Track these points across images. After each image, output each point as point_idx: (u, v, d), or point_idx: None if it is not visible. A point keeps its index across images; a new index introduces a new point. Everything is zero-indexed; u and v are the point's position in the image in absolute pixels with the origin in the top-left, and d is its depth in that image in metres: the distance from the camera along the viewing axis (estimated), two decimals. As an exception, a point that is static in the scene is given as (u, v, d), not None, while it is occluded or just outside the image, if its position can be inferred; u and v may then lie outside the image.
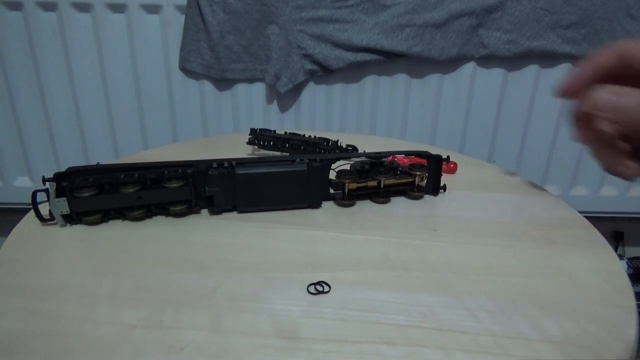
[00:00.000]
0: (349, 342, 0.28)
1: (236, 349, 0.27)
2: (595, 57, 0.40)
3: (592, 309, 0.31)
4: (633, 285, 0.34)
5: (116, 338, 0.28)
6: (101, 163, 0.41)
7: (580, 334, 0.29)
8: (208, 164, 0.41)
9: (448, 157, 0.45)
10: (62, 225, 0.39)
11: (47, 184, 0.37)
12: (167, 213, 0.41)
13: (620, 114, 0.37)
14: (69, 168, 0.39)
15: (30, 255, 0.36)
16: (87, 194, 0.38)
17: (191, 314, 0.30)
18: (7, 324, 0.29)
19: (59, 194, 0.38)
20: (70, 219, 0.39)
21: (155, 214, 0.41)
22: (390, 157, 0.54)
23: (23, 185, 1.06)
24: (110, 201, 0.39)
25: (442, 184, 0.48)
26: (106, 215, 0.40)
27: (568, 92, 0.40)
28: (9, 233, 0.38)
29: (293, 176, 0.41)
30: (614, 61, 0.39)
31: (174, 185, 0.39)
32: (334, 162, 0.45)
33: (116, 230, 0.39)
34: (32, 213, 0.41)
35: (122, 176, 0.39)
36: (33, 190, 0.38)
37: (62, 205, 0.38)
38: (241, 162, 0.42)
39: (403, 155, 0.55)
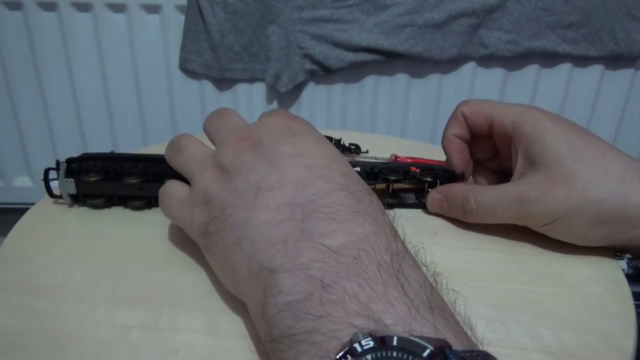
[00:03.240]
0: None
1: (232, 353, 0.27)
2: (447, 130, 0.42)
3: (591, 319, 0.30)
4: (633, 285, 0.34)
5: (112, 339, 0.28)
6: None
7: (578, 344, 0.28)
8: None
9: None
10: (70, 205, 0.42)
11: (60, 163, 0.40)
12: None
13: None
14: (83, 154, 0.42)
15: (29, 254, 0.36)
16: (92, 179, 0.40)
17: (187, 316, 0.30)
18: (4, 322, 0.29)
19: (68, 175, 0.40)
20: (77, 199, 0.42)
21: (155, 206, 0.42)
22: (393, 159, 0.54)
23: (23, 185, 1.06)
24: (114, 188, 0.41)
25: None
26: (109, 200, 0.42)
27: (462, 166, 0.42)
28: (8, 233, 0.38)
29: None
30: (461, 129, 0.41)
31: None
32: None
33: (116, 227, 0.39)
34: (32, 211, 0.41)
35: (127, 166, 0.41)
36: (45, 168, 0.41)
37: (70, 185, 0.40)
38: None
39: (411, 161, 0.54)
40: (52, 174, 0.41)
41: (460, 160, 0.42)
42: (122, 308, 0.30)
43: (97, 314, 0.30)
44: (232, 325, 0.29)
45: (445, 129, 0.42)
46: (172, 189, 0.34)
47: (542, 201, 0.34)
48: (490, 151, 0.42)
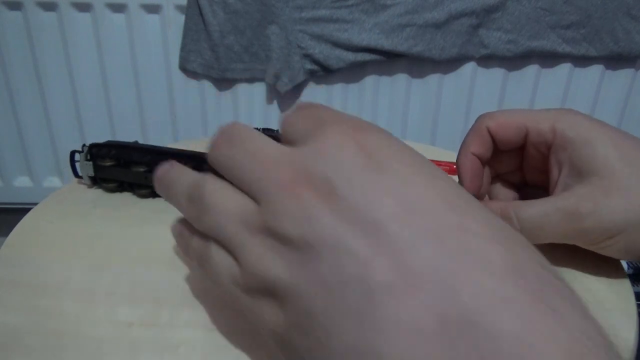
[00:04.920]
0: (344, 342, 0.28)
1: (232, 349, 0.27)
2: (467, 146, 0.37)
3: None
4: (633, 285, 0.34)
5: (112, 336, 0.28)
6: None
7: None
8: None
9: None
10: (89, 186, 0.46)
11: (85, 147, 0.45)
12: None
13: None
14: (107, 141, 0.46)
15: (30, 253, 0.36)
16: (107, 164, 0.44)
17: (188, 313, 0.30)
18: (5, 321, 0.29)
19: (89, 159, 0.45)
20: (95, 181, 0.46)
21: (159, 196, 0.43)
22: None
23: (23, 185, 1.06)
24: (123, 175, 0.44)
25: None
26: (121, 185, 0.45)
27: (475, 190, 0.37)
28: (9, 233, 0.39)
29: None
30: (483, 147, 0.36)
31: None
32: None
33: (116, 227, 0.39)
34: (33, 212, 0.42)
35: (135, 156, 0.44)
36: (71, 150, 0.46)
37: (89, 168, 0.45)
38: None
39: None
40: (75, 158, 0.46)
41: (472, 183, 0.37)
42: (122, 305, 0.30)
43: (97, 312, 0.30)
44: (233, 321, 0.29)
45: (464, 144, 0.38)
46: (216, 260, 0.23)
47: (599, 213, 0.30)
48: (513, 164, 0.39)
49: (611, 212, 0.30)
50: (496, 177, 0.40)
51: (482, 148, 0.36)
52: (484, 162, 0.37)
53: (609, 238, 0.31)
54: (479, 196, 0.38)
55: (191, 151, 0.44)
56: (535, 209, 0.32)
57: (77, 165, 0.46)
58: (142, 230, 0.40)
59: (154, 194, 0.44)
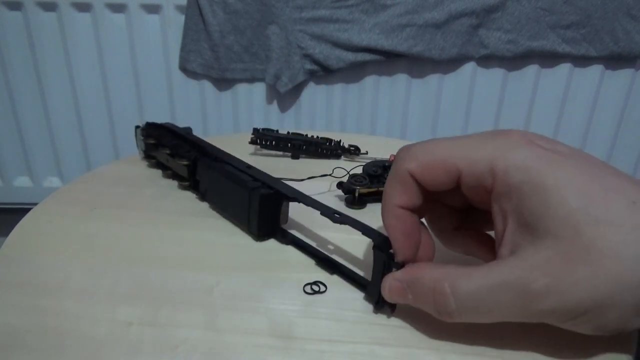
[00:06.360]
0: (342, 342, 0.28)
1: (230, 348, 0.27)
2: (390, 201, 0.29)
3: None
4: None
5: (112, 335, 0.28)
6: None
7: (578, 337, 0.28)
8: (210, 152, 0.45)
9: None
10: (142, 158, 0.53)
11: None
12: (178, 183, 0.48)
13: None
14: (165, 122, 0.52)
15: (30, 253, 0.36)
16: (150, 142, 0.50)
17: (187, 312, 0.30)
18: (5, 320, 0.29)
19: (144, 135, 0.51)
20: (145, 155, 0.52)
21: (175, 179, 0.48)
22: (392, 159, 0.54)
23: (23, 185, 1.06)
24: (157, 154, 0.50)
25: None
26: (158, 163, 0.51)
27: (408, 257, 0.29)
28: (9, 233, 0.39)
29: (236, 194, 0.39)
30: (410, 197, 0.29)
31: (180, 162, 0.45)
32: (290, 201, 0.38)
33: (116, 227, 0.40)
34: (33, 212, 0.42)
35: (165, 140, 0.48)
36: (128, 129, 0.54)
37: (142, 143, 0.52)
38: (228, 160, 0.43)
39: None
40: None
41: (406, 245, 0.29)
42: (122, 305, 0.31)
43: (97, 311, 0.30)
44: (232, 321, 0.29)
45: (387, 198, 0.29)
46: None
47: (557, 291, 0.23)
48: (451, 192, 0.29)
49: (573, 288, 0.23)
50: (434, 201, 0.31)
51: (409, 198, 0.29)
52: (416, 209, 0.30)
53: (574, 319, 0.24)
54: (414, 257, 0.29)
55: (218, 149, 0.46)
56: (475, 284, 0.25)
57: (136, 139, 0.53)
58: (142, 230, 0.40)
59: (174, 176, 0.49)
